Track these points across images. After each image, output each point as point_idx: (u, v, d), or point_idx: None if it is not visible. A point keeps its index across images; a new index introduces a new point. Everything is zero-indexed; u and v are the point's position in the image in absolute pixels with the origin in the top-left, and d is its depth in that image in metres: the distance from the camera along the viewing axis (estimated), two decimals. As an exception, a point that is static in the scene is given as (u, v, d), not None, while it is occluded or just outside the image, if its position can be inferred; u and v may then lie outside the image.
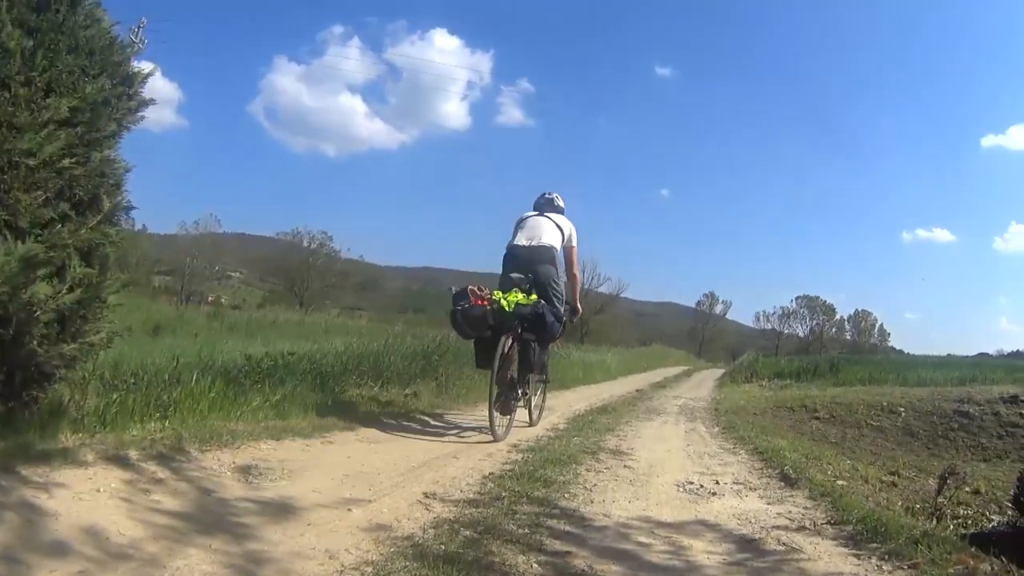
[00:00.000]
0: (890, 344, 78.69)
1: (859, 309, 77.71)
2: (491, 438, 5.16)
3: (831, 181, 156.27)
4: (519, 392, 5.71)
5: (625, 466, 4.72)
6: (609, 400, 10.15)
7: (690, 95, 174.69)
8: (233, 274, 65.84)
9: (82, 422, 3.42)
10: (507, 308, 5.31)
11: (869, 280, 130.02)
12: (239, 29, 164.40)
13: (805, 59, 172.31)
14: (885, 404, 13.48)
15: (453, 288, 5.57)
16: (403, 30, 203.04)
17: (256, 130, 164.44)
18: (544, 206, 6.28)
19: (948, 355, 35.99)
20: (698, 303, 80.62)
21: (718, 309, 79.07)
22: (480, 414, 6.30)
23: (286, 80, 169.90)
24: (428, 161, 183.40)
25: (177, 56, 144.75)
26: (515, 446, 5.00)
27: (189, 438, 3.54)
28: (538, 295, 5.50)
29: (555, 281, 5.76)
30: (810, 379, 19.15)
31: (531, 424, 6.31)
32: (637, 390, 13.67)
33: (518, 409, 5.82)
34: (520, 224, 6.05)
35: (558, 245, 5.93)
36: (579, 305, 6.56)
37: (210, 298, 51.06)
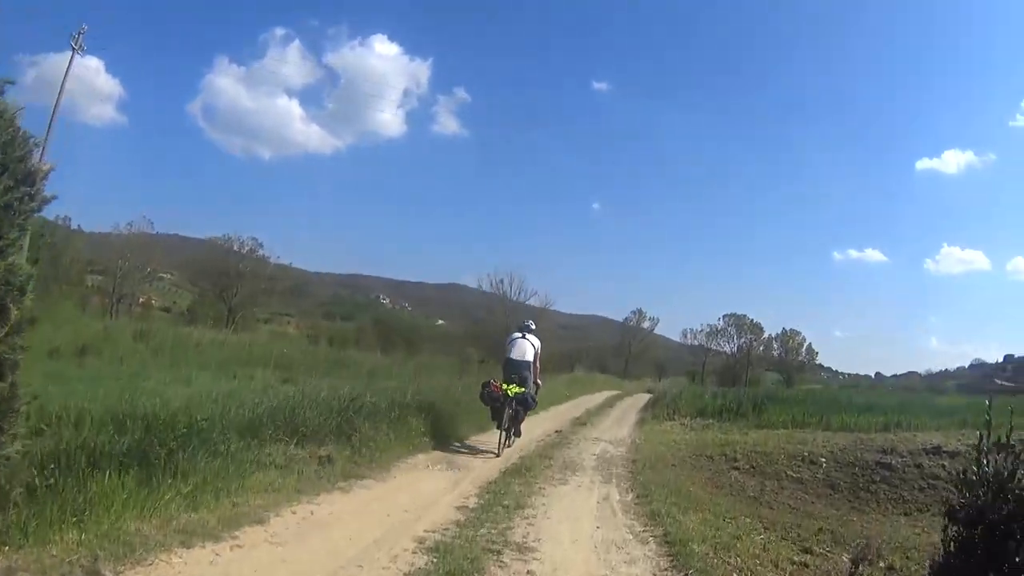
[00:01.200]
0: (818, 362, 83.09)
1: (787, 328, 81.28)
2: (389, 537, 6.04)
3: (763, 200, 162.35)
4: (511, 434, 11.34)
5: (528, 571, 5.31)
6: (527, 448, 11.69)
7: (626, 111, 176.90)
8: (165, 276, 66.91)
9: (7, 534, 3.82)
10: (510, 394, 10.88)
11: (798, 299, 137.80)
12: (183, 27, 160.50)
13: (742, 79, 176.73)
14: (806, 454, 14.11)
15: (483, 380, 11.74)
16: (344, 35, 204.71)
17: (194, 130, 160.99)
18: (524, 329, 11.97)
19: (877, 373, 38.36)
20: (626, 319, 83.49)
21: (646, 325, 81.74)
22: (392, 484, 7.82)
23: (226, 81, 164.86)
24: (361, 167, 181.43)
25: (121, 51, 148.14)
26: (421, 541, 5.62)
27: (104, 557, 4.00)
28: (522, 386, 11.05)
29: (529, 380, 11.30)
30: (733, 419, 20.24)
31: (509, 446, 11.30)
32: (557, 431, 14.86)
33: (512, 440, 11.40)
34: (512, 342, 11.75)
35: (532, 358, 11.50)
36: (539, 381, 12.00)
37: (141, 299, 53.12)
